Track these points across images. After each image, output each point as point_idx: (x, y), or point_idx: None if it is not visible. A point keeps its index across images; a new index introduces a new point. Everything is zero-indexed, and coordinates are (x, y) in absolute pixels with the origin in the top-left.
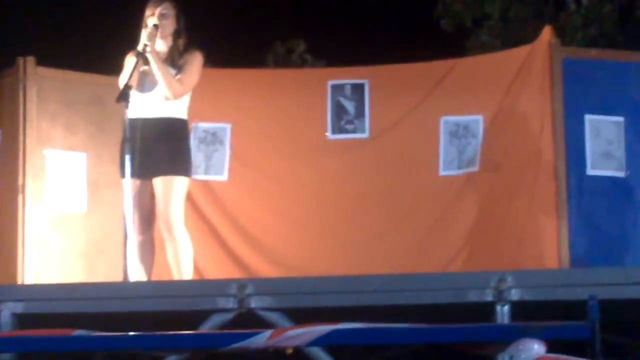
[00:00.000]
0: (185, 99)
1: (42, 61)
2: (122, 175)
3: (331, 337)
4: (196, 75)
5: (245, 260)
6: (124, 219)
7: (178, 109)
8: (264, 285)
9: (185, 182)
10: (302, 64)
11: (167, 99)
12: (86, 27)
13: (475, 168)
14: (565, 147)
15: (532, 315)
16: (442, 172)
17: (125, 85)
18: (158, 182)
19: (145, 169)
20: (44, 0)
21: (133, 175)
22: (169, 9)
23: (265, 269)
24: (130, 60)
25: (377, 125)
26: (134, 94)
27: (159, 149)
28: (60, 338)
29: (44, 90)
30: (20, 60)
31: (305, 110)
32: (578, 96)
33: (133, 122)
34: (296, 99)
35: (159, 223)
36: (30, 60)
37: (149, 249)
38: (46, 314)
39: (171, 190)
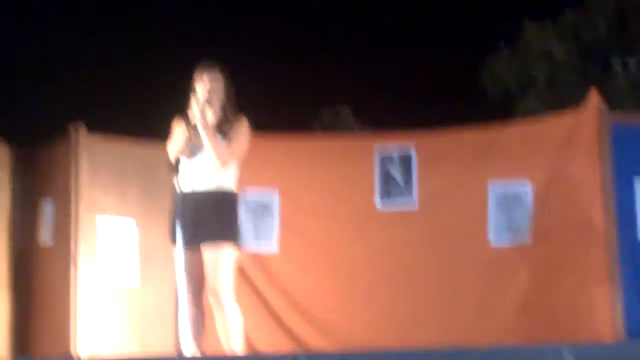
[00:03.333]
0: (234, 170)
1: (93, 128)
2: (173, 243)
3: None
4: (245, 144)
5: (296, 331)
6: (176, 289)
7: (227, 180)
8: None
9: (235, 252)
10: (348, 128)
11: (216, 168)
12: (135, 93)
13: (525, 238)
14: (616, 213)
15: None
16: (492, 242)
17: (176, 158)
18: (208, 252)
19: (196, 239)
20: (97, 67)
21: (184, 244)
22: (218, 78)
23: (315, 340)
24: (179, 128)
25: (426, 193)
26: (183, 162)
27: (209, 219)
28: None
29: (95, 156)
30: (72, 127)
31: (353, 179)
32: (627, 160)
33: (184, 195)
34: (344, 166)
35: (208, 292)
36: (82, 127)
37: (201, 319)
38: None
39: (220, 260)
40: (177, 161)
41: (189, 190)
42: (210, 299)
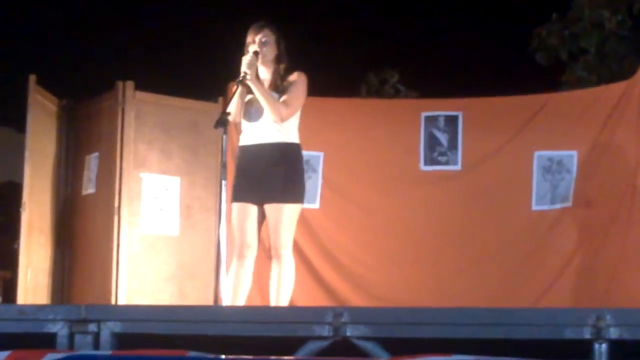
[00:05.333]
0: (295, 123)
1: (141, 85)
2: (224, 199)
3: None
4: (302, 95)
5: (334, 287)
6: (218, 243)
7: (289, 132)
8: (360, 315)
9: (297, 209)
10: (395, 94)
11: (275, 122)
12: (185, 53)
13: (568, 203)
14: None
15: (631, 355)
16: (534, 207)
17: (223, 112)
18: (270, 209)
19: (257, 195)
20: (145, 25)
21: (240, 200)
22: (269, 35)
23: (353, 298)
24: (235, 89)
25: (470, 158)
26: (243, 123)
27: (273, 174)
28: (176, 358)
29: (141, 114)
30: (120, 84)
31: (397, 140)
32: None
33: (245, 148)
34: (389, 129)
35: (272, 249)
36: (130, 84)
37: (248, 274)
38: (143, 334)
39: (283, 217)
40: (225, 117)
41: (250, 144)
42: (273, 254)
